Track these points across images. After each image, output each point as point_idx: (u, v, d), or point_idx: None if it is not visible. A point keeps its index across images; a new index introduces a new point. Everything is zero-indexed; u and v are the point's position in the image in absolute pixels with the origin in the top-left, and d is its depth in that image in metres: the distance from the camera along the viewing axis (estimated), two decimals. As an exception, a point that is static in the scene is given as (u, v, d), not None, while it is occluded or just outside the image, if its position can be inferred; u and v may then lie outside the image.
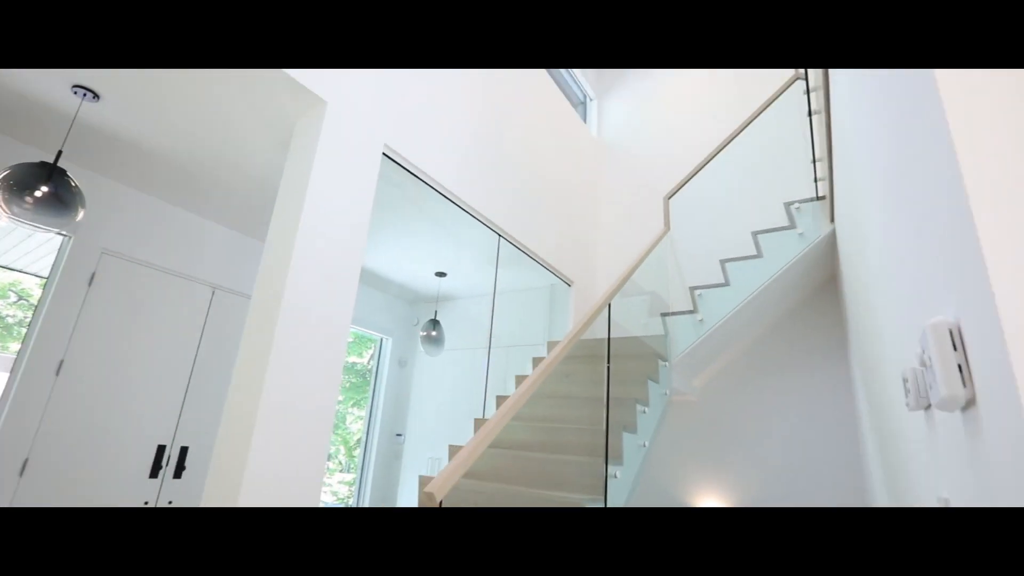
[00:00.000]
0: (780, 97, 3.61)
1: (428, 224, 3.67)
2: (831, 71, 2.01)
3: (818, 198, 3.28)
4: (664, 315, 3.53)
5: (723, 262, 3.43)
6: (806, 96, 2.61)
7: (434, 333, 4.42)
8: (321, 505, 3.44)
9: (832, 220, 3.11)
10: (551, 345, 3.73)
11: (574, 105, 5.07)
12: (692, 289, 3.47)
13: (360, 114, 2.54)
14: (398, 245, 4.11)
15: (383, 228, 3.81)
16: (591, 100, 5.57)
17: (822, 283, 3.74)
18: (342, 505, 6.39)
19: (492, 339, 3.91)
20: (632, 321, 3.54)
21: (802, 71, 2.63)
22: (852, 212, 1.97)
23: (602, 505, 2.37)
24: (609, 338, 2.84)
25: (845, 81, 1.72)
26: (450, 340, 4.77)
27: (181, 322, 3.60)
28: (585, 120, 5.48)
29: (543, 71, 4.43)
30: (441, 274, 4.52)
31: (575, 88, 5.42)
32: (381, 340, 5.32)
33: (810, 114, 2.63)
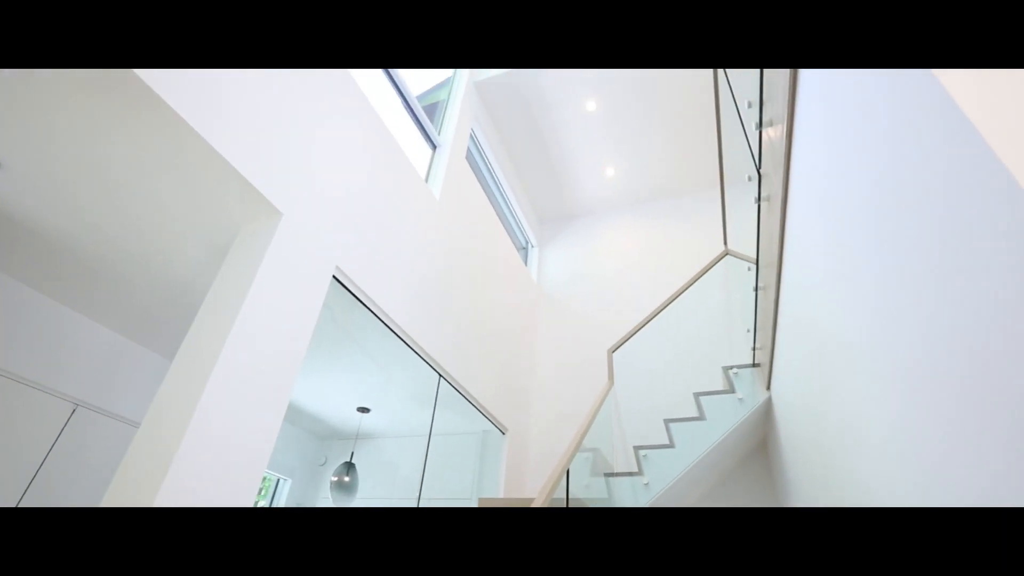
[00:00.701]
0: (718, 264, 3.90)
1: (357, 355, 3.34)
2: (784, 256, 2.17)
3: (754, 365, 3.41)
4: (608, 475, 3.31)
5: (667, 422, 3.36)
6: (754, 272, 2.81)
7: (347, 478, 3.82)
8: None
9: (768, 388, 3.20)
10: (483, 503, 3.32)
11: (517, 250, 5.22)
12: (637, 449, 3.32)
13: (314, 230, 2.36)
14: (318, 374, 3.69)
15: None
16: (533, 247, 5.79)
17: (754, 447, 3.75)
18: None
19: (423, 489, 3.42)
20: (573, 481, 3.27)
21: (752, 262, 2.88)
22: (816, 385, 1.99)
23: None
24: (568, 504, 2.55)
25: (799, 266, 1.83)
26: (364, 487, 4.15)
27: (18, 440, 2.84)
28: (526, 264, 5.64)
29: (492, 212, 4.58)
30: (364, 409, 4.06)
31: (518, 233, 5.64)
32: (277, 481, 4.54)
33: (756, 289, 2.81)
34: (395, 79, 3.52)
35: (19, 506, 2.75)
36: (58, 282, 2.89)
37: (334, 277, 2.50)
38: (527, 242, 5.79)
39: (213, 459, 1.75)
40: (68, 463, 3.01)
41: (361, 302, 2.68)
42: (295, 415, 4.40)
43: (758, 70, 1.87)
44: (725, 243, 4.23)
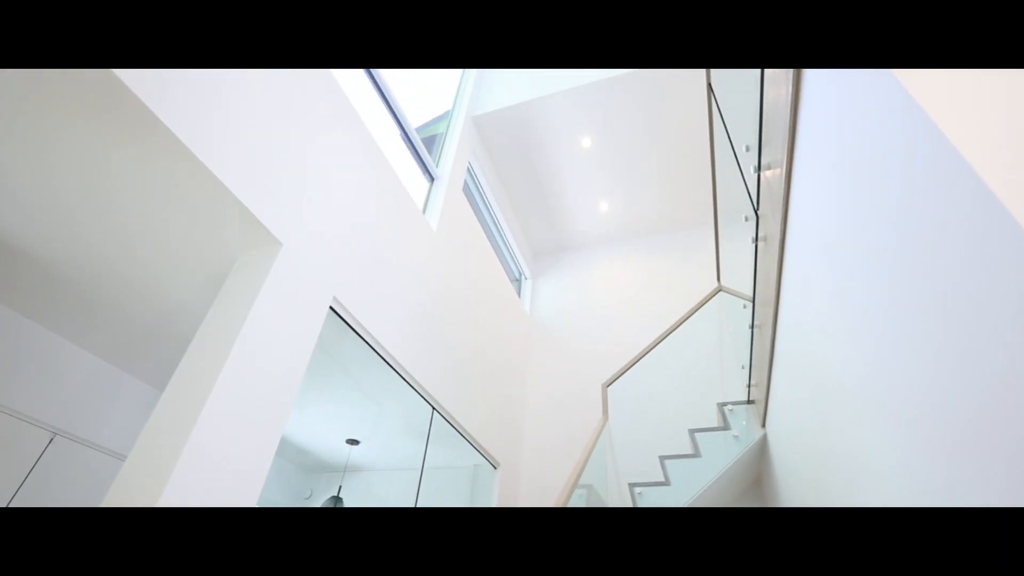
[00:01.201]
0: (711, 300, 3.93)
1: (348, 385, 3.29)
2: (782, 296, 2.20)
3: (749, 402, 3.41)
4: (602, 513, 3.24)
5: (662, 459, 3.32)
6: (750, 310, 2.84)
7: (333, 514, 3.70)
8: None
9: (763, 425, 3.19)
10: (474, 540, 3.23)
11: (510, 282, 5.23)
12: (632, 486, 3.27)
13: (313, 260, 2.35)
14: (305, 404, 3.61)
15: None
16: (526, 279, 5.81)
17: (748, 486, 3.71)
18: None
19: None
20: (568, 518, 3.20)
21: (749, 298, 2.91)
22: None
23: None
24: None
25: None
26: (348, 523, 4.01)
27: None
28: (519, 296, 5.64)
29: (488, 244, 4.60)
30: (353, 441, 3.97)
31: (512, 266, 5.67)
32: (259, 516, 4.38)
33: (752, 327, 2.83)
34: (395, 110, 3.58)
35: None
36: (39, 304, 2.83)
37: (331, 308, 2.48)
38: (521, 274, 5.82)
39: (204, 492, 1.69)
40: (44, 496, 2.88)
41: (357, 334, 2.65)
42: (280, 446, 4.29)
43: (757, 116, 1.93)
44: (718, 279, 4.28)
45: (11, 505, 2.75)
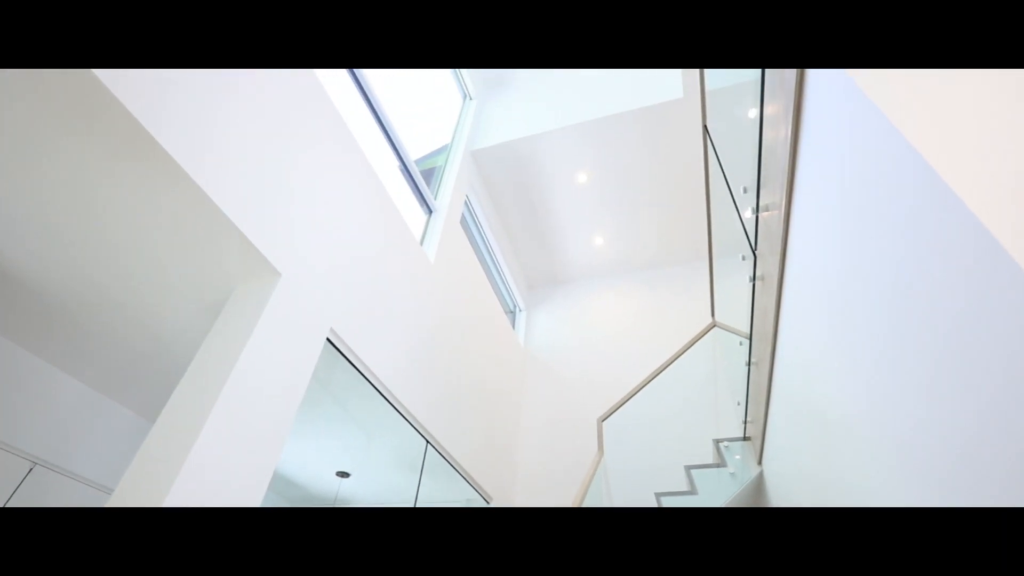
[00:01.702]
0: (706, 336, 3.95)
1: (339, 417, 3.24)
2: (780, 333, 2.23)
3: (745, 439, 3.39)
4: (598, 552, 3.17)
5: (658, 495, 3.27)
6: (746, 347, 2.86)
7: (320, 551, 3.58)
8: None
9: (760, 463, 3.17)
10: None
11: (505, 313, 5.23)
12: (628, 524, 3.20)
13: (311, 292, 2.34)
14: (297, 436, 3.54)
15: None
16: (521, 311, 5.81)
17: (745, 527, 3.66)
18: None
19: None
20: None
21: (744, 334, 2.92)
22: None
23: None
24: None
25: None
26: (334, 560, 3.88)
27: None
28: (514, 328, 5.63)
29: (484, 276, 4.62)
30: (344, 474, 3.88)
31: (507, 297, 5.68)
32: (242, 552, 4.22)
33: (748, 364, 2.84)
34: (395, 142, 3.63)
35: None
36: (27, 330, 2.77)
37: (328, 340, 2.46)
38: (515, 306, 5.82)
39: (193, 531, 1.64)
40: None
41: (354, 366, 2.62)
42: (267, 479, 4.17)
43: (752, 158, 1.99)
44: (713, 315, 4.32)
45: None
